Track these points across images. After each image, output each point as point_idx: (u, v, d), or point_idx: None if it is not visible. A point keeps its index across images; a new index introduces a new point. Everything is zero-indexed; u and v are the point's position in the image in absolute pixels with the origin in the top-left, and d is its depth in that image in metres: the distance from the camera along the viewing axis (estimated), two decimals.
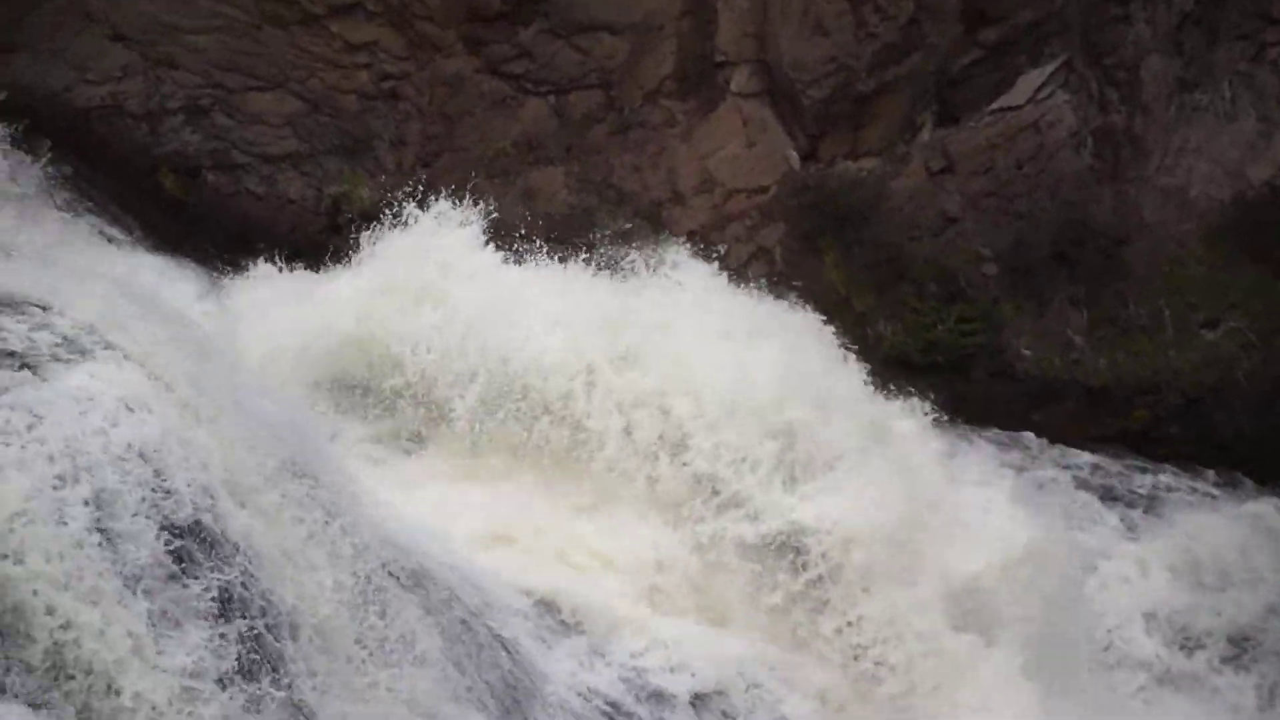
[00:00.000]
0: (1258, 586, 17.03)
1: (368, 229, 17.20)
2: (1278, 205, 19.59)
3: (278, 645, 9.57)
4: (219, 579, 9.32)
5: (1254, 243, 19.54)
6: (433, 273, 16.27)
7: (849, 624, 14.63)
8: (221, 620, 9.21)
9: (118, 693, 8.33)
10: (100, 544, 8.69)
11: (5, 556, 8.16)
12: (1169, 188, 19.92)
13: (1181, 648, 16.60)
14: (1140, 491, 18.53)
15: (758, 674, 13.95)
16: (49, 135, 17.04)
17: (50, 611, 8.24)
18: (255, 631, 9.42)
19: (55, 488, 8.70)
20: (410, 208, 16.91)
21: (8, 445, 8.75)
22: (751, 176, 20.00)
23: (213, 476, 9.74)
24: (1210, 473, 19.02)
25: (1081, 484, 18.47)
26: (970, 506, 15.76)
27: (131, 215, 18.90)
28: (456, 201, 17.06)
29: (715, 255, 17.72)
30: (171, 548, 9.13)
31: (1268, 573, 17.13)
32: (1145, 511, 18.16)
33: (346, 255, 16.98)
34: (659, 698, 13.43)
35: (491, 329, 15.80)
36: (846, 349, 16.70)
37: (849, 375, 16.28)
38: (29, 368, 9.57)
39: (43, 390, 9.38)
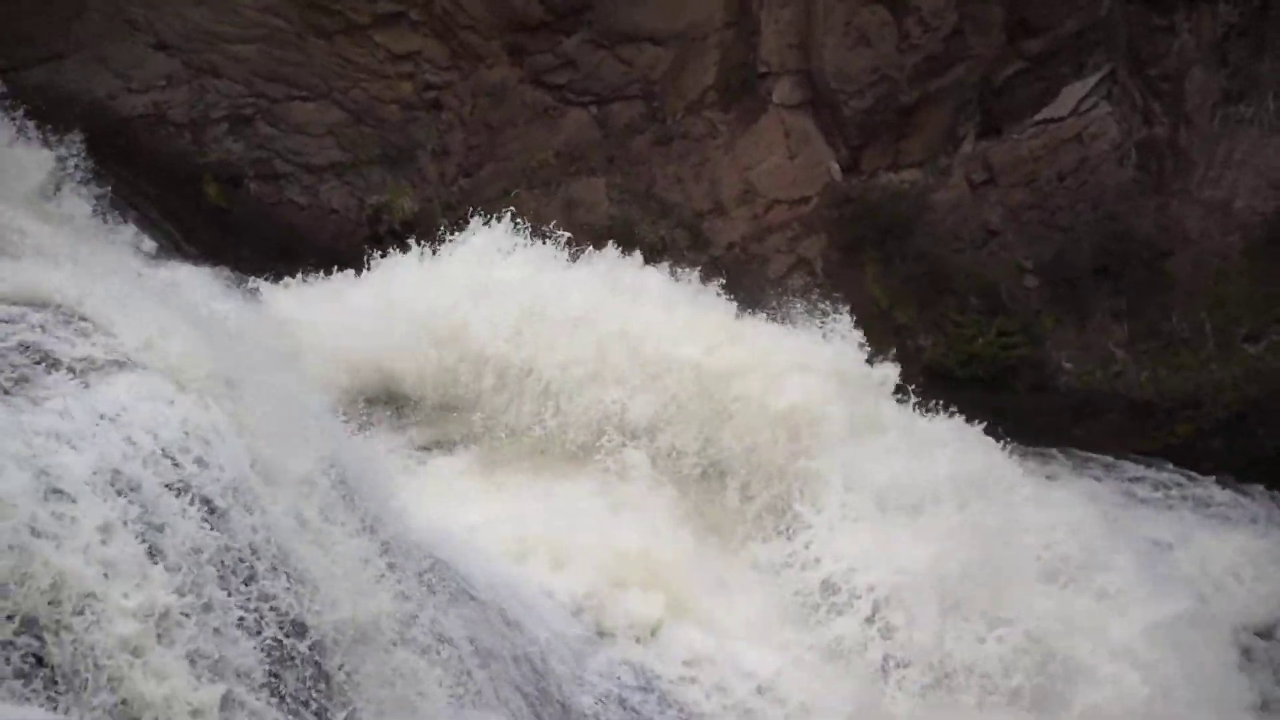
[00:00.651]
0: None
1: (409, 238, 17.34)
2: None
3: (317, 656, 9.59)
4: (258, 587, 9.35)
5: None
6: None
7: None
8: (260, 630, 9.24)
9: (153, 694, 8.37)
10: (141, 551, 8.72)
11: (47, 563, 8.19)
12: (1212, 200, 19.86)
13: None
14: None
15: (789, 688, 13.95)
16: (93, 143, 17.07)
17: (84, 612, 8.27)
18: (293, 643, 9.46)
19: (97, 493, 8.73)
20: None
21: (53, 453, 8.78)
22: (793, 188, 19.99)
23: (253, 483, 9.77)
24: (1259, 487, 18.96)
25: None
26: None
27: (174, 224, 18.96)
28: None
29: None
30: (210, 556, 9.16)
31: None
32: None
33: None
34: (692, 710, 13.45)
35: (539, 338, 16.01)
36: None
37: None
38: (73, 375, 9.61)
39: (86, 398, 9.42)
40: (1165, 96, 20.04)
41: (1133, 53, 20.08)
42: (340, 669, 9.71)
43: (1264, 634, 16.68)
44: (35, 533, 8.29)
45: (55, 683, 8.06)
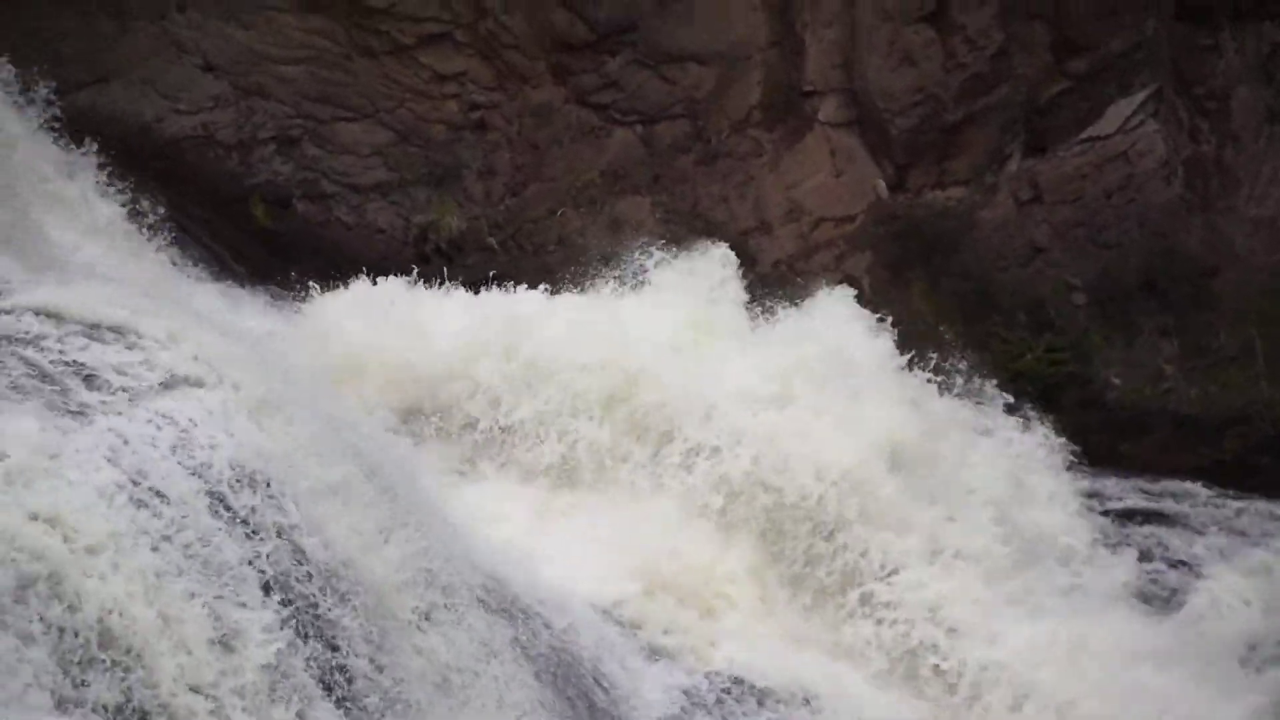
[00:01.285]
0: None
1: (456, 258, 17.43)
2: None
3: (361, 671, 9.61)
4: (302, 598, 9.38)
5: None
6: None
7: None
8: (304, 642, 9.27)
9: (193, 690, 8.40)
10: (182, 562, 8.76)
11: (89, 575, 8.21)
12: (1259, 218, 19.79)
13: None
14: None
15: (839, 699, 13.95)
16: (140, 165, 17.17)
17: (132, 629, 8.30)
18: (337, 655, 9.49)
19: (141, 509, 8.76)
20: None
21: (97, 470, 8.83)
22: (839, 206, 19.98)
23: (298, 500, 9.80)
24: None
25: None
26: None
27: (222, 244, 19.04)
28: None
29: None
30: (255, 565, 9.19)
31: None
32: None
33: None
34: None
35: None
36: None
37: None
38: (120, 392, 9.65)
39: (131, 414, 9.47)
40: (1211, 115, 19.98)
41: (1178, 71, 20.04)
42: (386, 678, 9.73)
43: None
44: (87, 550, 8.33)
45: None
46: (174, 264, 17.53)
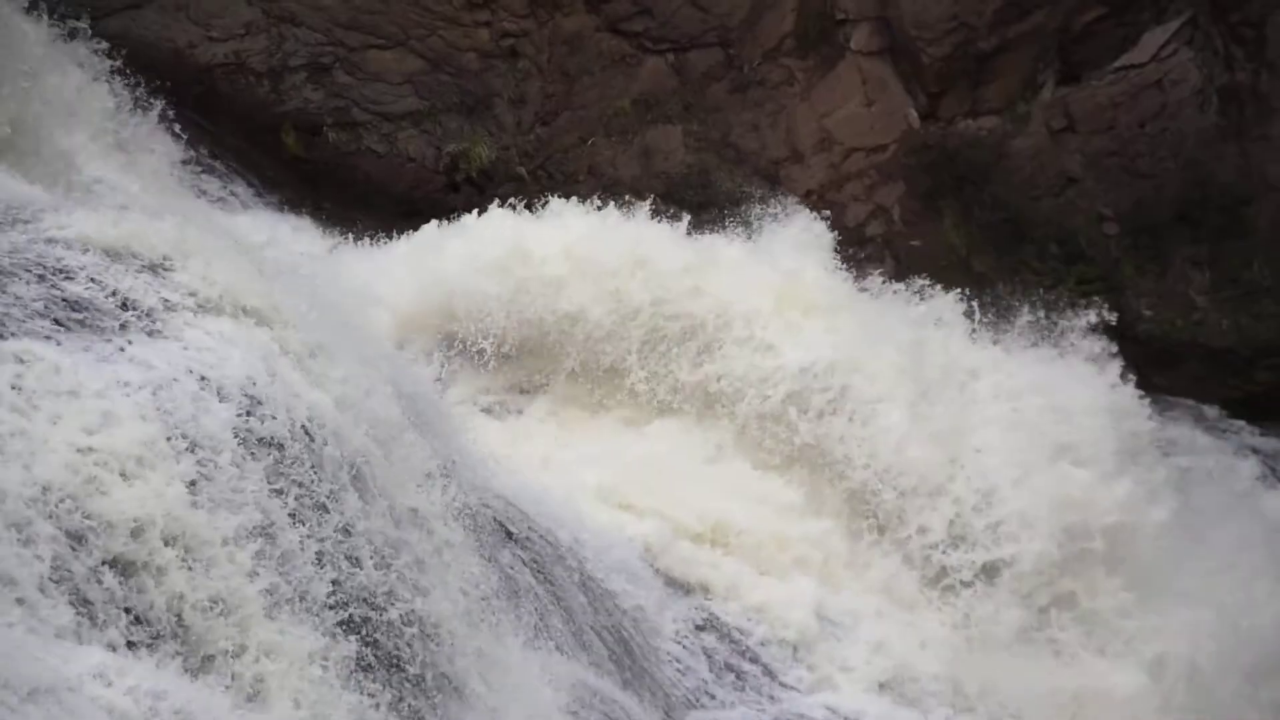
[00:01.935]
0: None
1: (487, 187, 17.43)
2: None
3: (394, 594, 9.67)
4: (330, 531, 9.43)
5: None
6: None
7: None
8: (329, 572, 9.33)
9: (232, 640, 8.46)
10: (212, 498, 8.80)
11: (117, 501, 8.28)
12: None
13: None
14: None
15: (867, 631, 14.02)
16: (172, 92, 17.15)
17: (160, 568, 8.35)
18: (360, 576, 9.54)
19: (170, 441, 8.80)
20: None
21: (126, 396, 8.86)
22: (870, 135, 19.91)
23: (326, 428, 9.83)
24: None
25: None
26: None
27: (253, 172, 19.07)
28: None
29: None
30: (281, 498, 9.24)
31: None
32: None
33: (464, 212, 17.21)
34: (771, 657, 13.51)
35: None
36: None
37: None
38: (149, 321, 9.68)
39: (161, 345, 9.49)
40: (1247, 43, 19.83)
41: None
42: (412, 611, 9.78)
43: None
44: (121, 474, 8.38)
45: (142, 623, 8.15)
46: (206, 192, 17.57)
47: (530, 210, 16.96)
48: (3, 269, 9.62)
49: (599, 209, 16.89)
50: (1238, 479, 17.46)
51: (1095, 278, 19.44)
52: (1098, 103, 19.74)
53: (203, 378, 9.37)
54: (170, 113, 16.94)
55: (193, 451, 8.83)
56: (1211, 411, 19.08)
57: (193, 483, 8.71)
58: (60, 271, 9.85)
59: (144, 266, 10.14)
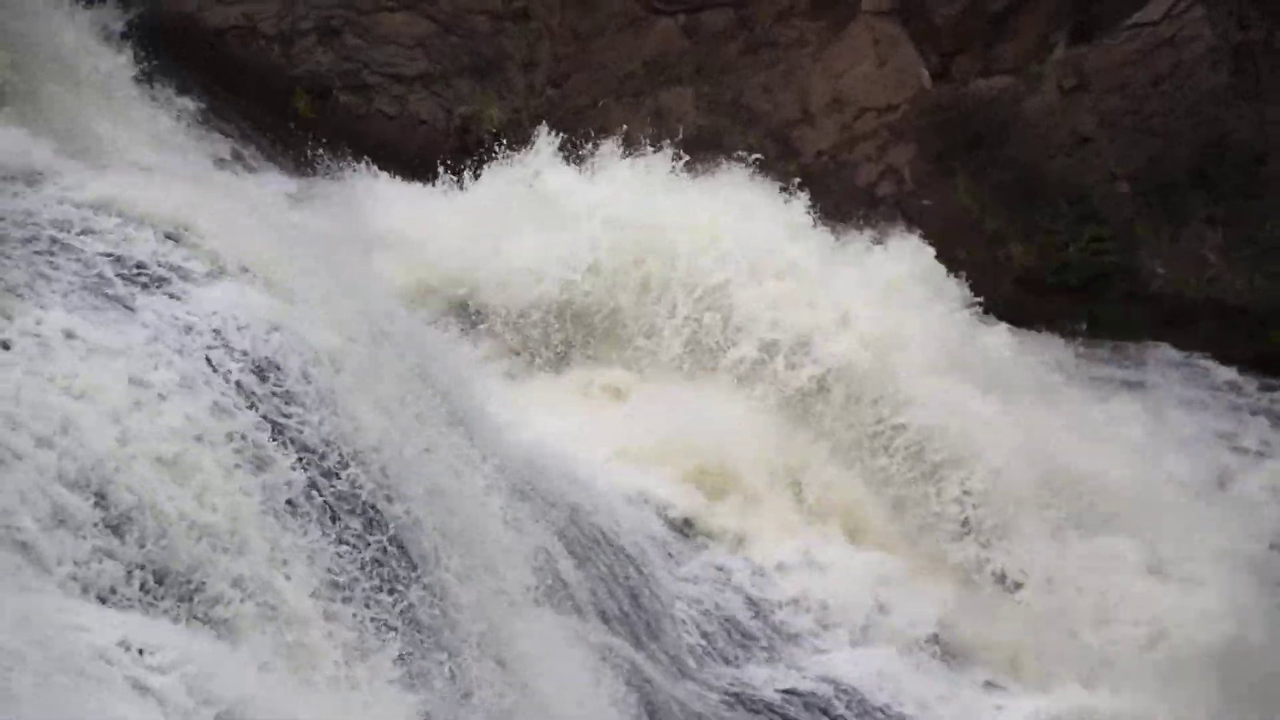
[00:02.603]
0: None
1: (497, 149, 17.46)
2: None
3: (407, 553, 9.70)
4: (350, 490, 9.46)
5: None
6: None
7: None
8: (356, 534, 9.35)
9: (255, 596, 8.49)
10: (235, 461, 8.83)
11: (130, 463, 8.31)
12: None
13: None
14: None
15: (887, 590, 14.03)
16: (182, 56, 17.16)
17: (188, 528, 8.39)
18: (386, 540, 9.57)
19: (186, 400, 8.83)
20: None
21: (144, 358, 8.90)
22: (882, 95, 19.87)
23: (340, 391, 9.86)
24: None
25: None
26: None
27: (265, 136, 19.07)
28: None
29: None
30: (301, 460, 9.27)
31: None
32: None
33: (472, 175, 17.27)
34: (785, 616, 13.54)
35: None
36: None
37: None
38: (162, 286, 9.70)
39: (174, 308, 9.52)
40: (1261, 0, 19.76)
41: None
42: (423, 561, 9.82)
43: None
44: (126, 443, 8.41)
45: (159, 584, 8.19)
46: (219, 155, 17.58)
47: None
48: (19, 233, 9.66)
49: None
50: None
51: (1108, 237, 19.40)
52: (1111, 61, 19.68)
53: (217, 340, 9.39)
54: (182, 76, 16.94)
55: (207, 411, 8.86)
56: (1227, 372, 19.03)
57: (217, 443, 8.76)
58: (77, 234, 9.88)
59: (158, 230, 10.17)
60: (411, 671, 9.29)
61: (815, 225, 17.05)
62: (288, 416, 9.40)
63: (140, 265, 9.80)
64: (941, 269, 17.00)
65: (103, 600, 7.78)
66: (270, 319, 9.82)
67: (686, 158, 17.30)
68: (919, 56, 19.86)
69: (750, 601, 13.50)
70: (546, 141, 17.48)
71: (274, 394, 9.41)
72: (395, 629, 9.34)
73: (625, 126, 18.12)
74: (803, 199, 17.17)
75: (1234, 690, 14.07)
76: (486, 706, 9.82)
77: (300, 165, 18.56)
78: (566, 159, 17.44)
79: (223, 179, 15.85)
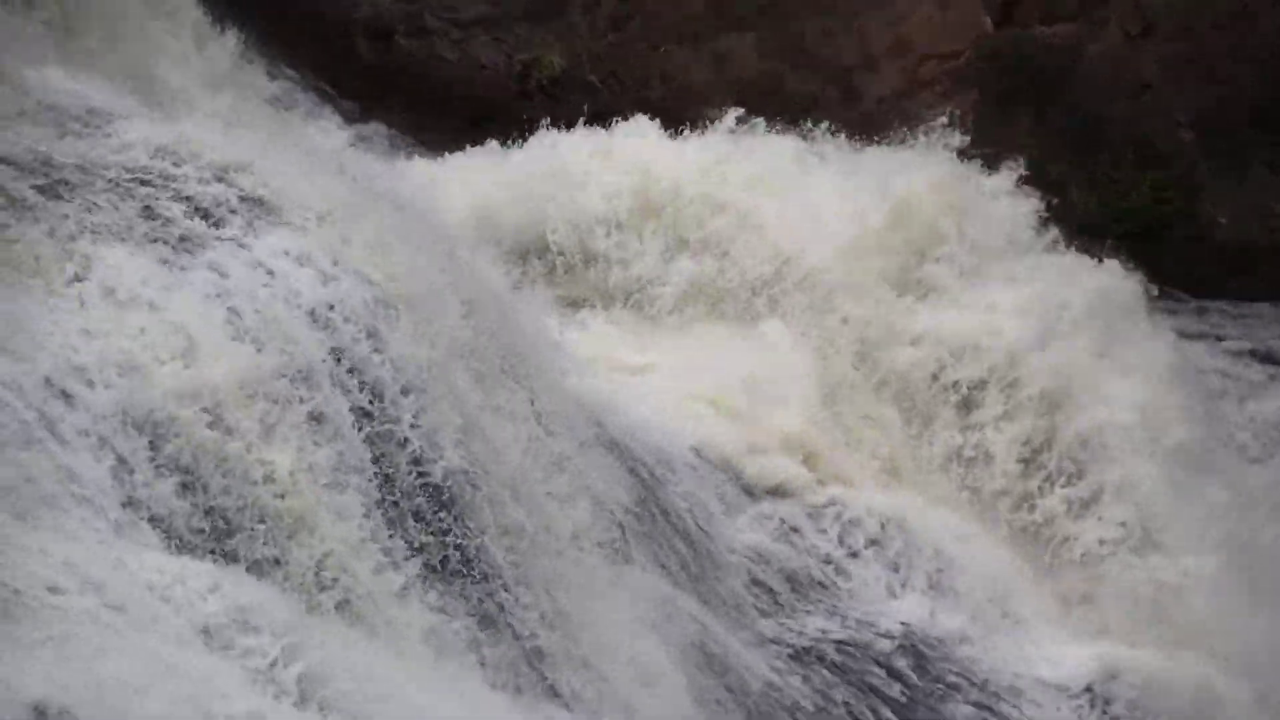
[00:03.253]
0: None
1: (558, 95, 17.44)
2: None
3: (464, 500, 9.75)
4: (409, 437, 9.51)
5: None
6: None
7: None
8: (411, 479, 9.42)
9: (313, 547, 8.56)
10: (290, 399, 8.89)
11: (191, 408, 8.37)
12: None
13: None
14: None
15: (950, 545, 14.04)
16: (246, 2, 17.18)
17: (246, 473, 8.46)
18: (442, 486, 9.62)
19: (248, 349, 8.89)
20: None
21: (203, 306, 8.96)
22: (945, 41, 19.78)
23: (402, 338, 9.89)
24: None
25: None
26: None
27: (327, 81, 19.10)
28: None
29: None
30: (361, 406, 9.33)
31: None
32: None
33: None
34: (846, 568, 13.54)
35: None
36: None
37: None
38: (226, 229, 9.75)
39: (240, 254, 9.57)
40: None
41: None
42: (481, 520, 9.87)
43: None
44: (190, 390, 8.48)
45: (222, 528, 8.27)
46: (279, 99, 17.62)
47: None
48: (79, 177, 9.72)
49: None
50: None
51: (1171, 184, 19.31)
52: (1174, 6, 19.54)
53: (281, 285, 9.45)
54: (244, 19, 16.97)
55: (266, 355, 8.92)
56: None
57: (278, 393, 8.83)
58: (140, 178, 9.94)
59: (223, 174, 10.22)
60: (463, 618, 9.36)
61: None
62: (349, 361, 9.45)
63: (204, 210, 9.85)
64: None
65: (163, 544, 7.87)
66: (332, 264, 9.86)
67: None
68: (981, 1, 19.76)
69: (811, 552, 13.50)
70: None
71: (335, 338, 9.46)
72: (445, 572, 9.40)
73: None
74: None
75: None
76: (542, 654, 9.89)
77: (362, 110, 18.59)
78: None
79: (284, 122, 15.91)
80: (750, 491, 13.69)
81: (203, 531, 8.16)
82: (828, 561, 13.46)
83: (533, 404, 11.04)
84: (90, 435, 7.94)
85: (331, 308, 9.56)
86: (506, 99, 18.96)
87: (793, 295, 15.71)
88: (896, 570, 13.65)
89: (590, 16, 19.98)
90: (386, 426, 9.44)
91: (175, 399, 8.36)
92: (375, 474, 9.19)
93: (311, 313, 9.42)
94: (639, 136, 16.64)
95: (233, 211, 9.94)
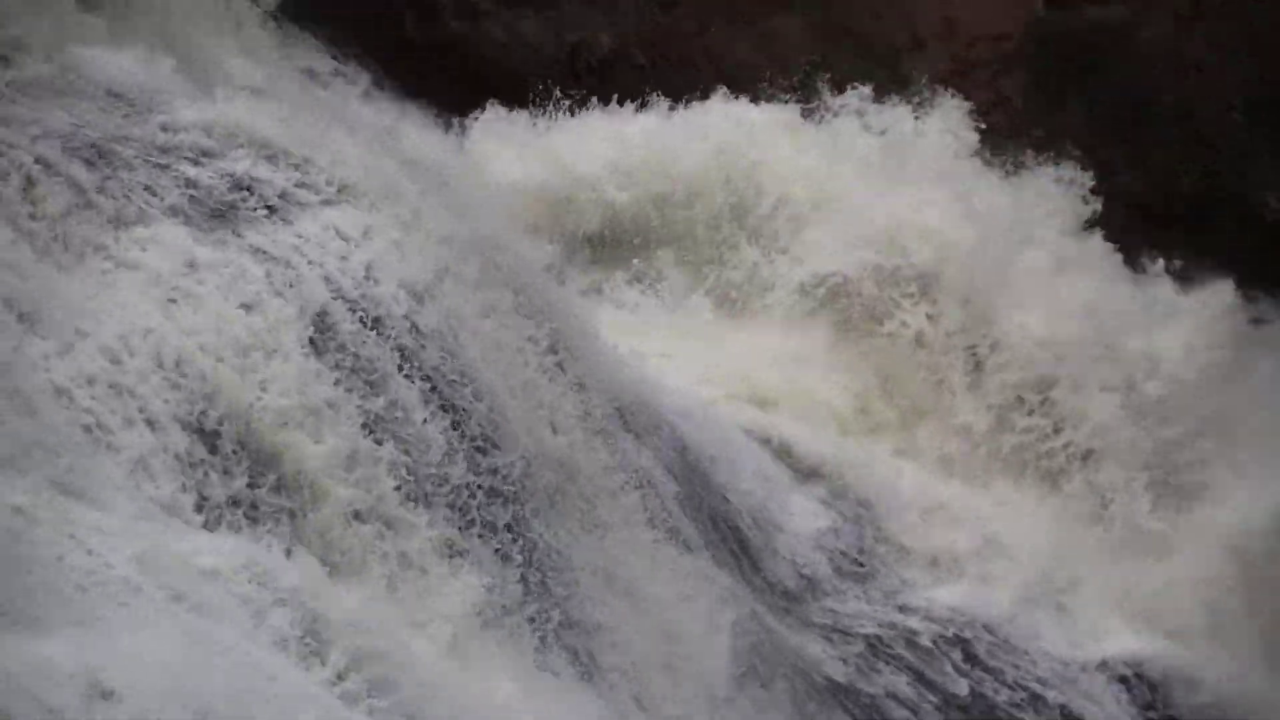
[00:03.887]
0: None
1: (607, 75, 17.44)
2: None
3: (508, 481, 9.75)
4: (452, 416, 9.53)
5: None
6: None
7: None
8: (453, 459, 9.43)
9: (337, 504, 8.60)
10: (336, 380, 8.92)
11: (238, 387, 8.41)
12: None
13: None
14: None
15: (996, 528, 14.02)
16: None
17: (286, 443, 8.48)
18: (484, 462, 9.64)
19: (294, 324, 8.92)
20: None
21: (250, 283, 8.98)
22: (994, 22, 19.66)
23: (446, 318, 9.91)
24: None
25: None
26: None
27: (373, 59, 19.07)
28: None
29: None
30: (402, 375, 9.35)
31: None
32: None
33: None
34: (892, 552, 13.52)
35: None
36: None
37: None
38: (271, 208, 9.77)
39: (284, 232, 9.60)
40: None
41: None
42: (532, 499, 9.88)
43: None
44: (237, 368, 8.51)
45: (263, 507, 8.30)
46: (321, 76, 17.60)
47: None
48: (130, 153, 9.74)
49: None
50: None
51: (1220, 166, 19.19)
52: None
53: (324, 264, 9.47)
54: None
55: (311, 336, 8.95)
56: None
57: (326, 370, 8.84)
58: (187, 155, 9.97)
59: (268, 152, 10.24)
60: (512, 594, 9.37)
61: None
62: (394, 338, 9.47)
63: (249, 188, 9.88)
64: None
65: (206, 523, 7.89)
66: (378, 243, 9.88)
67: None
68: None
69: (858, 536, 13.48)
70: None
71: (378, 316, 9.48)
72: (489, 548, 9.42)
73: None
74: None
75: None
76: (589, 634, 9.90)
77: (408, 88, 18.56)
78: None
79: (328, 100, 15.91)
80: (797, 474, 13.67)
81: (248, 510, 8.18)
82: (874, 546, 13.44)
83: (581, 385, 11.05)
84: (140, 413, 7.96)
85: (378, 283, 9.58)
86: (555, 80, 18.90)
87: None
88: (946, 556, 13.62)
89: None
90: (438, 409, 9.46)
91: (223, 378, 8.39)
92: (423, 450, 9.23)
93: (360, 293, 9.43)
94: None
95: (280, 190, 9.97)
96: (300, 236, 9.68)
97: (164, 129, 10.14)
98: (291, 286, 9.19)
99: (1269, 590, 14.30)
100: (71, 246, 8.69)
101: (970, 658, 12.87)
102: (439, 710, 7.62)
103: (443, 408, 9.50)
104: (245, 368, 8.50)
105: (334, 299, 9.37)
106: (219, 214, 9.58)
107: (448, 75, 19.06)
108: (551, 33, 19.85)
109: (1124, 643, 13.62)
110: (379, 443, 8.92)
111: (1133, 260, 16.93)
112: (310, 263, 9.44)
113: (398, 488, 8.87)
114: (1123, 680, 13.40)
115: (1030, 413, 15.09)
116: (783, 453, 13.77)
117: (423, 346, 9.58)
